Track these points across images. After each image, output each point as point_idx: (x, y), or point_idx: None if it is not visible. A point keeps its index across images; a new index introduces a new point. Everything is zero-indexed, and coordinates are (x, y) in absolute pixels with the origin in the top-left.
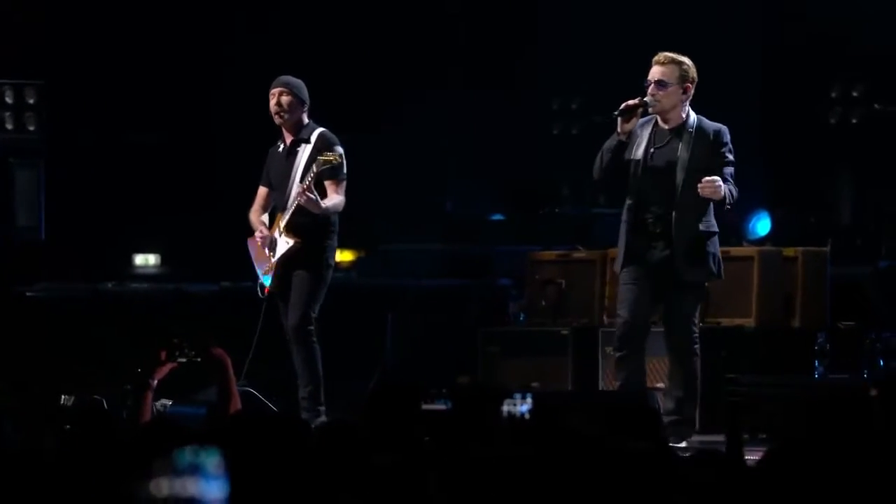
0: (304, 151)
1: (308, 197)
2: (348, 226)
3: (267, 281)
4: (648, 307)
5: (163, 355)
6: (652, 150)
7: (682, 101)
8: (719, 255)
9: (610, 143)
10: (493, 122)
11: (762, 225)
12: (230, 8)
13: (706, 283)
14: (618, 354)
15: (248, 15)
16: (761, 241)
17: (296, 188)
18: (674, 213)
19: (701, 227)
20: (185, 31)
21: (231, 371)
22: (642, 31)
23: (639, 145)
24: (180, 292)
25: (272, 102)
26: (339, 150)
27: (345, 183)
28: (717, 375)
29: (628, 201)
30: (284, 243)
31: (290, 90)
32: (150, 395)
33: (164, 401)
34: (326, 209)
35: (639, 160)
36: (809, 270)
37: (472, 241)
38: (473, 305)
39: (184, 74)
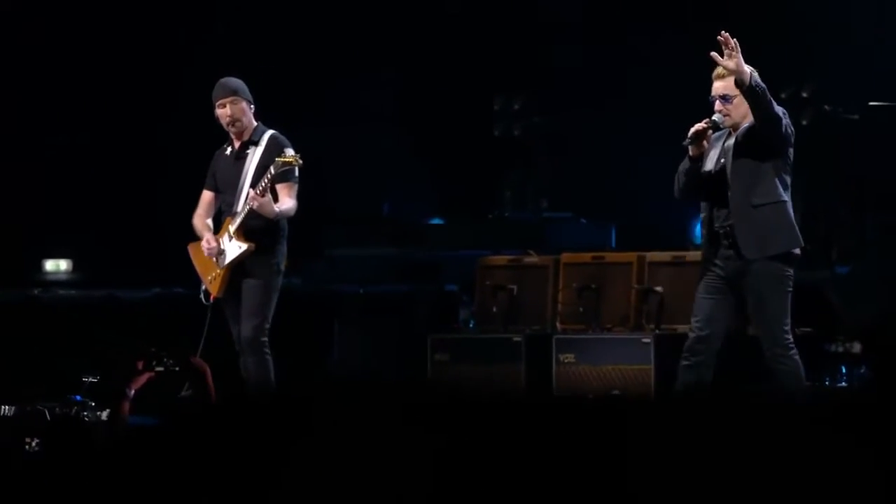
0: (255, 154)
1: (262, 200)
2: (294, 230)
3: (212, 287)
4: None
5: (140, 365)
6: (722, 160)
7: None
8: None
9: (684, 165)
10: (431, 123)
11: None
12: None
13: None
14: (684, 363)
15: (158, 14)
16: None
17: (246, 192)
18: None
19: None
20: (101, 32)
21: (211, 380)
22: (581, 32)
23: (710, 158)
24: (112, 298)
25: (223, 113)
26: (292, 152)
27: (297, 187)
28: (674, 381)
29: (702, 214)
30: (237, 248)
31: (239, 96)
32: (126, 405)
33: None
34: (279, 214)
35: (710, 171)
36: None
37: (420, 245)
38: (422, 311)
39: (101, 76)
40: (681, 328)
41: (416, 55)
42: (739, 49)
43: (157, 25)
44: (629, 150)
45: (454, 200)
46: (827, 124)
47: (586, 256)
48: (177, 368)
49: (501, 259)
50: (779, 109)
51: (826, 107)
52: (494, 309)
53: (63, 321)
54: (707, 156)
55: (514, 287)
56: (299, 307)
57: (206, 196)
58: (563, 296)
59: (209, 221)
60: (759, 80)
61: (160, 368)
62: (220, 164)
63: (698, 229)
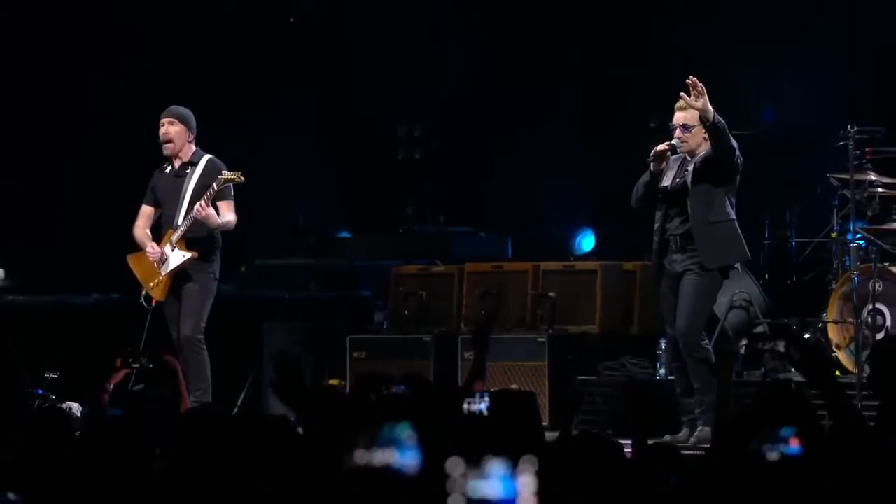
0: (194, 173)
1: (209, 212)
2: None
3: (154, 292)
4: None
5: (118, 362)
6: (678, 179)
7: (706, 139)
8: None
9: (644, 178)
10: (343, 146)
11: (587, 241)
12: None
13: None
14: (674, 365)
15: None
16: (587, 256)
17: (186, 206)
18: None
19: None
20: (24, 36)
21: (182, 375)
22: (488, 62)
23: (667, 176)
24: (60, 304)
25: (162, 130)
26: (228, 173)
27: (234, 203)
28: (565, 376)
29: (656, 224)
30: (180, 256)
31: (178, 120)
32: (106, 398)
33: (70, 403)
34: (221, 225)
35: (666, 187)
36: (646, 282)
37: (338, 256)
38: (341, 314)
39: (26, 86)
40: (571, 329)
41: (328, 83)
42: (705, 91)
43: (79, 32)
44: (522, 171)
45: (363, 215)
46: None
47: (487, 266)
48: (151, 365)
49: (412, 268)
50: (733, 142)
51: None
52: (406, 312)
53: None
54: (664, 174)
55: (424, 293)
56: (231, 311)
57: (146, 210)
58: (466, 301)
59: (148, 232)
60: (720, 118)
61: (136, 365)
62: (160, 181)
63: (578, 242)
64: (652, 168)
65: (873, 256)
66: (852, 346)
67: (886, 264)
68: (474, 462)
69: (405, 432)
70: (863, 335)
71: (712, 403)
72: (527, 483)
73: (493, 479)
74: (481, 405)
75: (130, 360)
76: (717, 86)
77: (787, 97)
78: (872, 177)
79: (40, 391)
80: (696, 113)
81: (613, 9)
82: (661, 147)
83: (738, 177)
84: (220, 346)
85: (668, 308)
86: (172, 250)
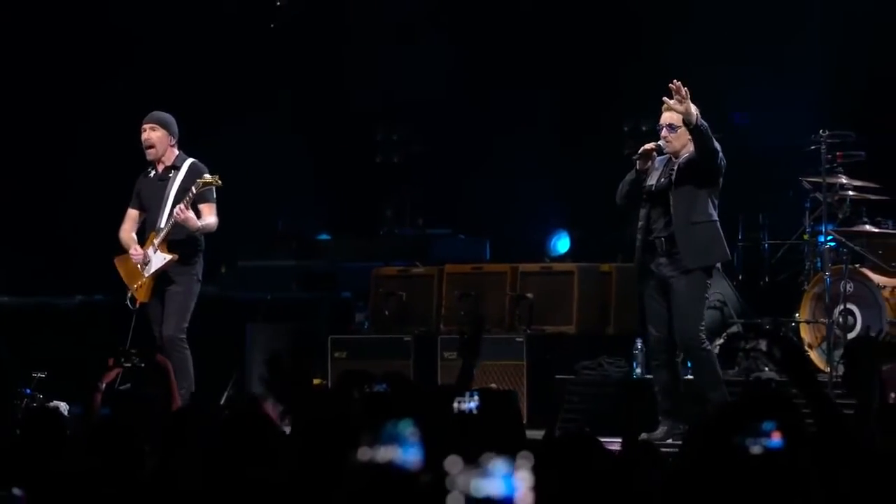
0: (177, 178)
1: (188, 215)
2: (212, 243)
3: (139, 293)
4: (670, 316)
5: (111, 362)
6: (663, 179)
7: (691, 140)
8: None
9: (630, 176)
10: (322, 150)
11: (562, 243)
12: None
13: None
14: (654, 363)
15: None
16: (562, 258)
17: (169, 209)
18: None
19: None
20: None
21: (172, 375)
22: (465, 67)
23: (652, 176)
24: (44, 305)
25: (144, 136)
26: (209, 176)
27: (215, 206)
28: (543, 375)
29: (640, 223)
30: (162, 258)
31: (159, 126)
32: (98, 396)
33: (57, 402)
34: (201, 228)
35: (651, 187)
36: (622, 283)
37: (320, 258)
38: (322, 315)
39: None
40: (549, 329)
41: (307, 87)
42: (689, 95)
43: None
44: (499, 174)
45: (342, 218)
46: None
47: (466, 267)
48: (142, 365)
49: (392, 270)
50: (716, 145)
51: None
52: (387, 313)
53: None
54: (650, 174)
55: (404, 294)
56: (216, 312)
57: (132, 213)
58: (446, 301)
59: (134, 235)
60: (703, 120)
61: (128, 364)
62: (144, 185)
63: (553, 244)
64: (637, 166)
65: (844, 258)
66: (824, 346)
67: (857, 265)
68: (472, 460)
69: (408, 429)
70: (834, 335)
71: (717, 401)
72: (524, 478)
73: (492, 476)
74: (471, 404)
75: (122, 360)
76: (691, 89)
77: (761, 101)
78: (843, 180)
79: (28, 390)
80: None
81: (589, 14)
82: (647, 146)
83: (721, 179)
84: (205, 346)
85: (652, 308)
86: (155, 252)
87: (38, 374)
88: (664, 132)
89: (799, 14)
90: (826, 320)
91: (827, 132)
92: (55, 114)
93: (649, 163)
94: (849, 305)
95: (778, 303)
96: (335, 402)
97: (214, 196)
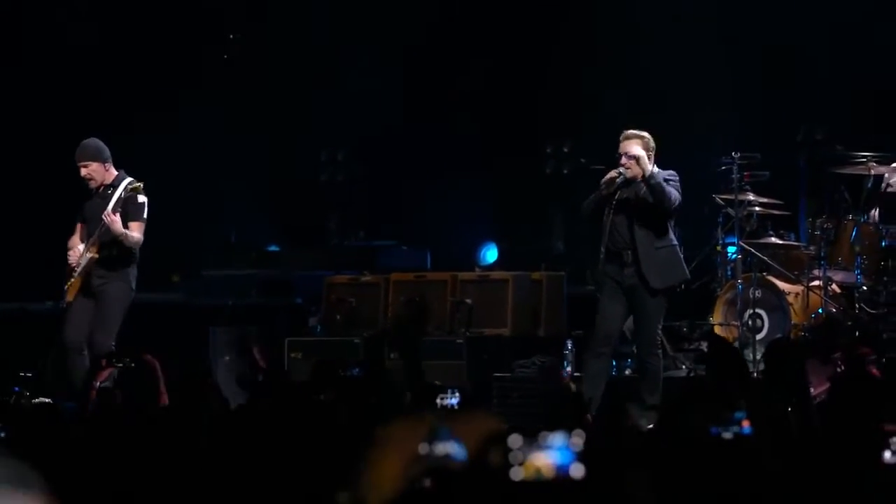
0: (114, 195)
1: (114, 218)
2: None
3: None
4: (620, 318)
5: (104, 362)
6: (628, 196)
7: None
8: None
9: (596, 196)
10: (272, 167)
11: (491, 254)
12: None
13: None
14: (590, 358)
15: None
16: (490, 268)
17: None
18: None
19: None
20: None
21: (160, 372)
22: (406, 89)
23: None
24: (23, 311)
25: (83, 172)
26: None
27: (144, 225)
28: (481, 375)
29: (603, 236)
30: (86, 258)
31: (91, 161)
32: (93, 394)
33: (43, 399)
34: (124, 234)
35: (613, 204)
36: (551, 290)
37: (277, 267)
38: (279, 319)
39: None
40: (487, 331)
41: (254, 110)
42: (638, 158)
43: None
44: (438, 191)
45: (290, 231)
46: (582, 173)
47: (410, 275)
48: (132, 364)
49: (343, 278)
50: (671, 193)
51: (582, 160)
52: (338, 317)
53: None
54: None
55: (354, 300)
56: (180, 316)
57: (79, 227)
58: (392, 307)
59: (79, 244)
60: (657, 177)
61: (120, 364)
62: (88, 202)
63: (483, 255)
64: (603, 192)
65: (753, 267)
66: (736, 345)
67: (765, 274)
68: (530, 436)
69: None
70: (744, 336)
71: (653, 403)
72: (578, 445)
73: (550, 448)
74: (453, 400)
75: (114, 360)
76: (609, 115)
77: (677, 124)
78: (751, 197)
79: (16, 388)
80: (640, 142)
81: (510, 42)
82: (610, 175)
83: (679, 209)
84: (170, 349)
85: (611, 308)
86: (86, 254)
87: (26, 374)
88: (623, 160)
89: (711, 46)
90: (737, 323)
91: (738, 154)
92: (38, 115)
93: (612, 188)
94: (757, 310)
95: (694, 307)
96: (312, 390)
97: (144, 216)
